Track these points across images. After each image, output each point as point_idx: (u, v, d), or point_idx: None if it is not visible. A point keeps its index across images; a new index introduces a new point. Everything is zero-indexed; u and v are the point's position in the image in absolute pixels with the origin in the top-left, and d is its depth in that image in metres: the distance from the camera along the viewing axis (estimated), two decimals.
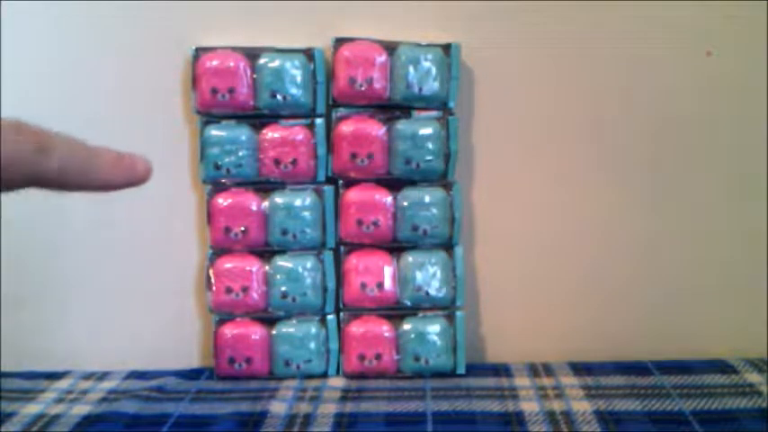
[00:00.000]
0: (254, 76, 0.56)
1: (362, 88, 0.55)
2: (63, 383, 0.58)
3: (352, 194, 0.57)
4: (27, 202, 0.59)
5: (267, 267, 0.57)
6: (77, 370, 0.61)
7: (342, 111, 0.57)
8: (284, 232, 0.57)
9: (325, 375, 0.58)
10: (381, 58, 0.55)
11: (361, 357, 0.57)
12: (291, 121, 0.57)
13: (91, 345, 0.62)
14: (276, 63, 0.55)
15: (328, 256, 0.58)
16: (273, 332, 0.58)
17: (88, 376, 0.60)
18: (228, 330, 0.58)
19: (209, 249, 0.58)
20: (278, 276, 0.57)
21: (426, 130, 0.56)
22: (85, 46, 0.58)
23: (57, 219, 0.60)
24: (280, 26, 0.57)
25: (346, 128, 0.56)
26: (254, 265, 0.57)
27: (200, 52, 0.56)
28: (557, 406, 0.52)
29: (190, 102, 0.57)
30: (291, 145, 0.56)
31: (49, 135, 0.24)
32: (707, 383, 0.54)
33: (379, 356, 0.57)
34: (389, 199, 0.57)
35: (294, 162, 0.56)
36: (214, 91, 0.55)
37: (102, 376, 0.60)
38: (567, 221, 0.60)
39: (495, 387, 0.55)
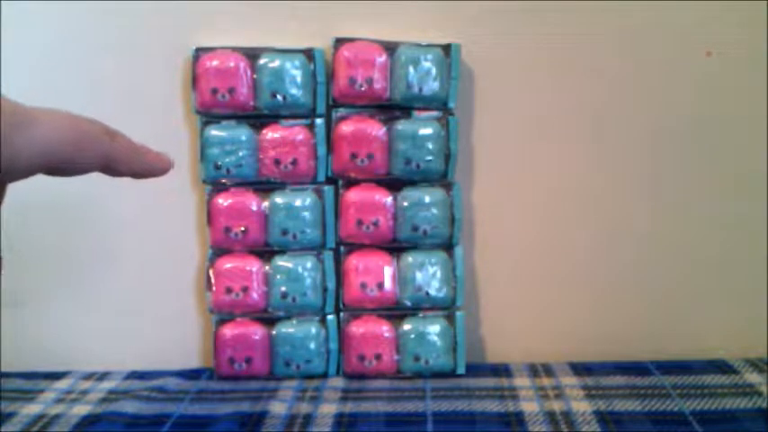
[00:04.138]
0: (254, 76, 0.56)
1: (362, 88, 0.55)
2: (63, 383, 0.58)
3: (352, 194, 0.57)
4: (27, 201, 0.59)
5: (267, 267, 0.57)
6: (77, 370, 0.61)
7: (342, 111, 0.57)
8: (284, 232, 0.57)
9: (325, 375, 0.58)
10: (381, 58, 0.55)
11: (361, 357, 0.57)
12: (291, 121, 0.57)
13: (91, 345, 0.62)
14: (276, 63, 0.55)
15: (328, 256, 0.58)
16: (273, 332, 0.58)
17: (88, 376, 0.60)
18: (228, 330, 0.58)
19: (209, 249, 0.58)
20: (278, 276, 0.57)
21: (426, 130, 0.56)
22: (85, 46, 0.58)
23: (56, 219, 0.60)
24: (280, 26, 0.57)
25: (346, 128, 0.56)
26: (254, 265, 0.57)
27: (200, 52, 0.56)
28: (557, 406, 0.52)
29: (190, 102, 0.57)
30: (291, 145, 0.56)
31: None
32: (707, 383, 0.54)
33: (379, 356, 0.57)
34: (389, 199, 0.57)
35: (294, 162, 0.57)
36: (214, 91, 0.55)
37: (102, 376, 0.60)
38: (566, 221, 0.60)
39: (495, 387, 0.55)
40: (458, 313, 0.58)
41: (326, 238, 0.58)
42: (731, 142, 0.58)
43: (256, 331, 0.58)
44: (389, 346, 0.57)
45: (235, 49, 0.56)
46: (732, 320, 0.61)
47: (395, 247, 0.58)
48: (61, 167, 0.26)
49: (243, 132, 0.56)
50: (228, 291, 0.57)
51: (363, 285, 0.57)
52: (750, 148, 0.58)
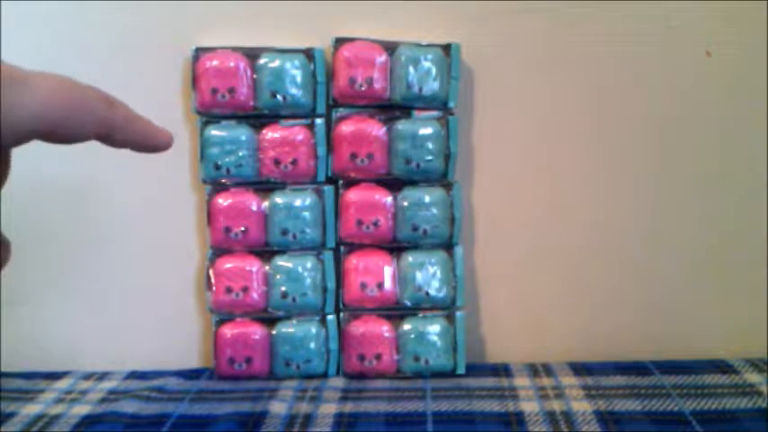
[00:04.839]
0: (254, 76, 0.56)
1: (362, 88, 0.55)
2: (63, 383, 0.58)
3: (352, 194, 0.57)
4: (27, 201, 0.59)
5: (267, 267, 0.57)
6: (77, 370, 0.61)
7: (342, 111, 0.57)
8: (284, 232, 0.57)
9: (325, 375, 0.58)
10: (381, 58, 0.55)
11: (361, 357, 0.57)
12: (291, 121, 0.57)
13: (91, 345, 0.62)
14: (276, 63, 0.55)
15: (328, 256, 0.58)
16: (273, 332, 0.58)
17: (88, 376, 0.60)
18: (228, 330, 0.58)
19: (209, 249, 0.58)
20: (278, 276, 0.57)
21: (426, 130, 0.56)
22: (85, 46, 0.58)
23: (57, 218, 0.60)
24: (280, 26, 0.57)
25: (346, 128, 0.56)
26: (254, 265, 0.57)
27: (200, 52, 0.56)
28: (557, 406, 0.52)
29: (190, 102, 0.57)
30: (291, 145, 0.56)
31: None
32: (707, 383, 0.54)
33: (379, 356, 0.57)
34: (389, 199, 0.57)
35: (294, 162, 0.57)
36: (214, 91, 0.55)
37: (102, 376, 0.60)
38: (567, 221, 0.60)
39: (495, 387, 0.55)
40: (458, 313, 0.58)
41: (326, 238, 0.58)
42: (731, 142, 0.58)
43: (256, 331, 0.58)
44: (389, 345, 0.57)
45: (235, 49, 0.56)
46: (732, 320, 0.61)
47: (395, 247, 0.58)
48: (56, 132, 0.26)
49: (243, 132, 0.56)
50: (228, 291, 0.57)
51: (363, 285, 0.57)
52: (750, 149, 0.58)
